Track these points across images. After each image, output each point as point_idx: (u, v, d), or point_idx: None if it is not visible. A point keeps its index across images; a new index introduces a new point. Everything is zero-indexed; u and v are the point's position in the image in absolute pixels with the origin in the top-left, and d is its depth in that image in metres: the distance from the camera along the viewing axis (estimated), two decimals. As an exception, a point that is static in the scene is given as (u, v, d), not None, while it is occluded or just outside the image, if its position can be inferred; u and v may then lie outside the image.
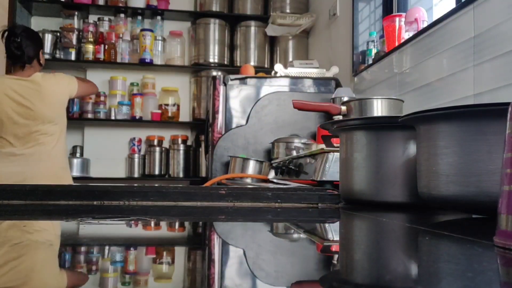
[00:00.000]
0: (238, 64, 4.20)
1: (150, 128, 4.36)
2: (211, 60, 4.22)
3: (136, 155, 4.25)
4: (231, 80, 2.88)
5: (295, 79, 2.93)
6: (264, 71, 3.46)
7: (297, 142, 2.43)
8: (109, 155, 4.25)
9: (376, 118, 1.44)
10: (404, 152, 1.03)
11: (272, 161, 2.34)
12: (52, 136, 2.70)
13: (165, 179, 4.23)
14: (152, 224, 0.88)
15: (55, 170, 2.70)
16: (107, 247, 0.66)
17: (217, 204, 1.12)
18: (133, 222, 0.88)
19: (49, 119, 2.68)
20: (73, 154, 4.17)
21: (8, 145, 2.63)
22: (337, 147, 1.38)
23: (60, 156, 2.78)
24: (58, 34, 4.15)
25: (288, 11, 4.14)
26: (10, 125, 2.63)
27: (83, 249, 0.64)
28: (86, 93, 3.06)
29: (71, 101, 4.02)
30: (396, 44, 2.34)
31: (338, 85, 2.90)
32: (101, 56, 4.15)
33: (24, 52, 2.64)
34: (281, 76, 2.94)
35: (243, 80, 2.90)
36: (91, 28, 4.17)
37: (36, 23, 4.27)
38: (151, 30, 4.19)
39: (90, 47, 4.11)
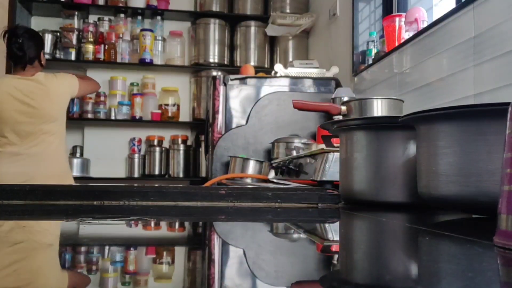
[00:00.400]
0: (238, 64, 4.20)
1: (150, 128, 4.36)
2: (211, 60, 4.22)
3: (136, 155, 4.25)
4: (231, 80, 2.88)
5: (295, 79, 2.93)
6: (264, 71, 3.46)
7: (297, 142, 2.43)
8: (109, 155, 4.25)
9: (376, 118, 1.44)
10: (404, 152, 1.03)
11: (272, 161, 2.34)
12: (54, 136, 2.71)
13: (165, 179, 4.23)
14: (152, 224, 0.88)
15: (59, 172, 2.71)
16: (107, 247, 0.66)
17: (217, 204, 1.12)
18: (133, 222, 0.88)
19: (52, 118, 2.69)
20: (73, 154, 4.17)
21: (11, 144, 2.63)
22: (337, 147, 1.38)
23: (63, 157, 2.79)
24: (58, 34, 4.15)
25: (288, 11, 4.14)
26: (13, 124, 2.63)
27: (83, 249, 0.64)
28: (87, 92, 3.04)
29: (71, 101, 4.02)
30: (396, 44, 2.34)
31: (338, 85, 2.89)
32: (101, 56, 4.15)
33: (25, 53, 2.64)
34: (281, 76, 2.94)
35: (243, 80, 2.90)
36: (91, 28, 4.17)
37: (36, 23, 4.27)
38: (151, 30, 4.18)
39: (90, 47, 4.11)
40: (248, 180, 2.34)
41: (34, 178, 2.56)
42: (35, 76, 2.68)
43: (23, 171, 2.58)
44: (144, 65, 4.18)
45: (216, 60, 4.23)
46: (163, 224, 0.91)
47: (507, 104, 0.57)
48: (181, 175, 4.23)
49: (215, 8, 4.28)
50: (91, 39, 4.14)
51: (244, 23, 4.30)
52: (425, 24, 2.17)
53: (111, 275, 0.48)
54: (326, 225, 0.98)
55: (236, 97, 2.87)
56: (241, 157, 2.52)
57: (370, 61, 2.66)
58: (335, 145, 1.48)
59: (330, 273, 0.50)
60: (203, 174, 3.90)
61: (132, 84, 4.30)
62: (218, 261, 0.56)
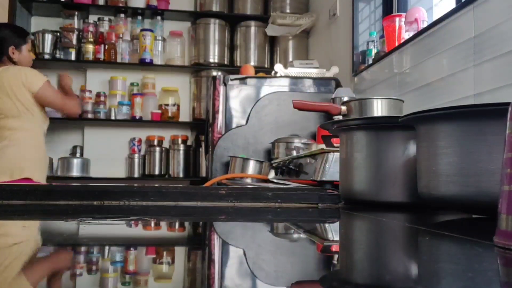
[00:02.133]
0: (238, 64, 4.20)
1: (150, 128, 4.36)
2: (211, 60, 4.22)
3: (136, 155, 4.25)
4: (231, 80, 2.88)
5: (295, 79, 2.93)
6: (264, 71, 3.46)
7: (297, 142, 2.43)
8: (109, 155, 4.25)
9: (376, 118, 1.44)
10: (404, 152, 1.03)
11: (272, 161, 2.34)
12: (23, 132, 2.65)
13: (165, 179, 4.23)
14: (152, 224, 0.88)
15: (19, 164, 2.61)
16: (107, 247, 0.66)
17: (217, 204, 1.12)
18: (133, 222, 0.88)
19: (11, 112, 2.63)
20: (73, 154, 4.17)
21: None
22: (337, 147, 1.38)
23: (28, 151, 2.67)
24: (58, 34, 4.15)
25: (288, 11, 4.14)
26: None
27: (83, 249, 0.64)
28: (55, 103, 2.78)
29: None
30: (396, 44, 2.34)
31: (338, 85, 2.89)
32: (101, 56, 4.15)
33: None
34: (281, 76, 2.94)
35: (243, 80, 2.90)
36: (91, 28, 4.17)
37: (36, 23, 4.27)
38: (151, 30, 4.18)
39: (90, 47, 4.11)
40: (248, 180, 2.34)
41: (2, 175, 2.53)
42: None
43: None
44: (144, 65, 4.18)
45: (216, 60, 4.23)
46: (163, 224, 0.91)
47: (507, 104, 0.57)
48: (181, 175, 4.23)
49: (215, 8, 4.28)
50: (91, 39, 4.14)
51: (244, 23, 4.30)
52: (425, 24, 2.17)
53: (111, 275, 0.48)
54: (326, 225, 0.97)
55: (236, 97, 2.87)
56: (241, 157, 2.52)
57: (370, 61, 2.66)
58: (335, 145, 1.48)
59: (330, 273, 0.50)
60: (203, 174, 3.90)
61: (132, 84, 4.30)
62: (218, 261, 0.56)
